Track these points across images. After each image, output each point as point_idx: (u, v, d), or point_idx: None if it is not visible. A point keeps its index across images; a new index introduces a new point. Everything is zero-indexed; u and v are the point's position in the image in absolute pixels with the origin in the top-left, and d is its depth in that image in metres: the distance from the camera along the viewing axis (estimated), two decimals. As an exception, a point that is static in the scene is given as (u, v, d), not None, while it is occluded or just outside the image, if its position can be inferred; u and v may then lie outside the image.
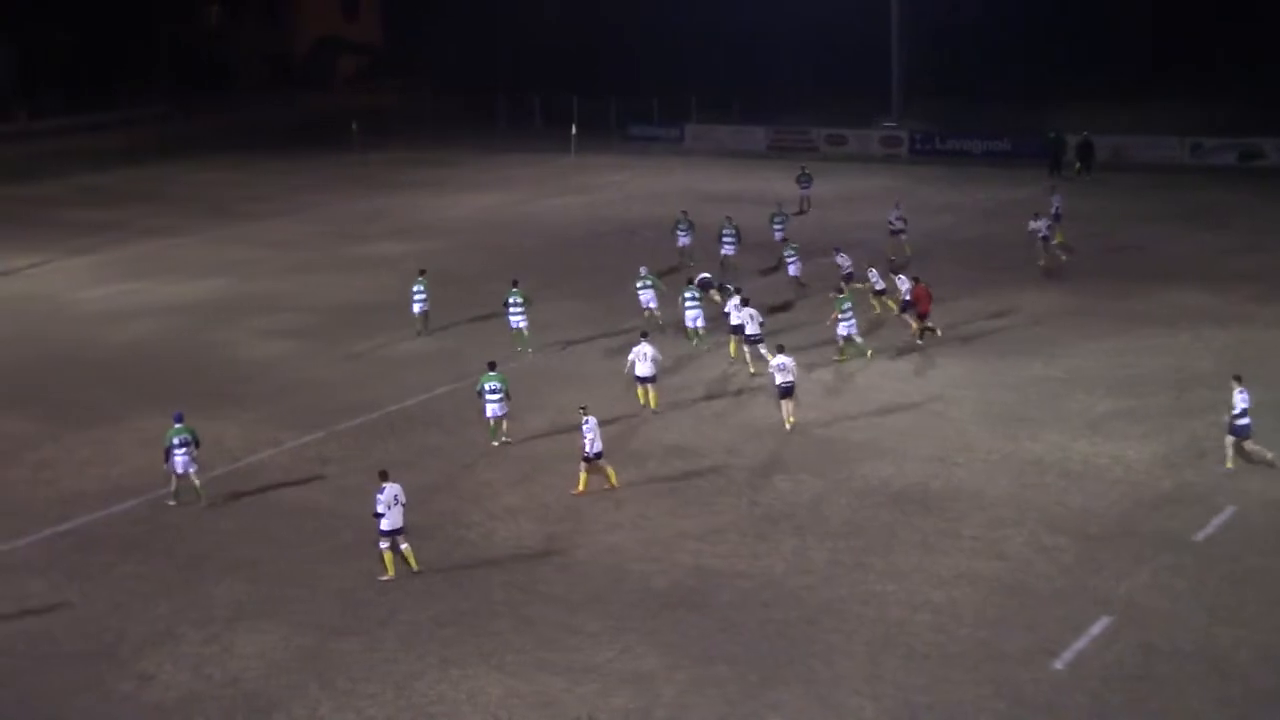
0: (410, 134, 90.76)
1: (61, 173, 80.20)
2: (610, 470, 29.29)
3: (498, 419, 32.01)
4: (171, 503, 29.35)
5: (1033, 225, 47.97)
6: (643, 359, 33.71)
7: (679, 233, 49.11)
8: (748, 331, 36.55)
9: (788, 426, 32.30)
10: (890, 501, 28.22)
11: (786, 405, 32.42)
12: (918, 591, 24.28)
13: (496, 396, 31.77)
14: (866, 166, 72.66)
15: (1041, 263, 47.38)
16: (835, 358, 37.27)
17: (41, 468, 32.07)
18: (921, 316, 38.71)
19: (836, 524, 27.21)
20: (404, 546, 25.53)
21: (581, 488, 29.05)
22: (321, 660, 22.78)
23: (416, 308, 42.01)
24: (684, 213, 49.96)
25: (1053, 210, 51.59)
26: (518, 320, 39.68)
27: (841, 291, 38.85)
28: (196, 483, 29.34)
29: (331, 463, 31.52)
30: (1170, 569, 24.82)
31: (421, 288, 42.03)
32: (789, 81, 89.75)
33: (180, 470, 29.17)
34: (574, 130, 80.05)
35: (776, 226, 50.26)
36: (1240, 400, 28.56)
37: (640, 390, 34.08)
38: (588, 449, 28.86)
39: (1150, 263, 48.22)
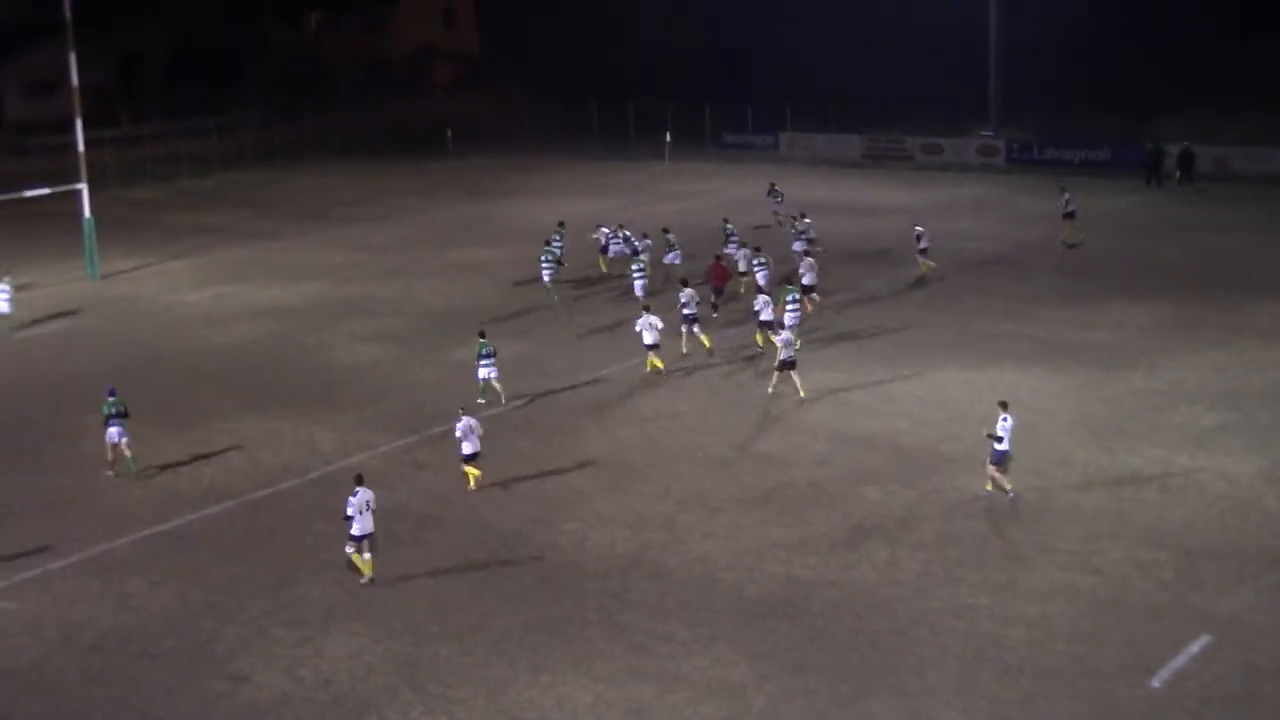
0: (506, 141, 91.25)
1: (163, 176, 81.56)
2: (477, 471, 30.05)
3: (488, 380, 35.44)
4: (109, 473, 31.68)
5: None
6: (649, 329, 37.37)
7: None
8: (762, 317, 39.19)
9: (801, 395, 34.92)
10: (983, 514, 27.89)
11: (793, 377, 35.13)
12: (1011, 605, 23.97)
13: (489, 361, 35.34)
14: (962, 175, 72.13)
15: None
16: (759, 345, 39.45)
17: (138, 468, 32.50)
18: (716, 292, 43.84)
19: (928, 535, 26.95)
20: (366, 555, 25.82)
21: (471, 484, 30.13)
22: (413, 664, 22.88)
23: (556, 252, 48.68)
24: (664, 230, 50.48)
25: (1065, 209, 52.55)
26: (547, 273, 46.79)
27: (790, 283, 41.37)
28: (127, 454, 31.62)
29: (425, 467, 31.70)
30: (1273, 587, 24.30)
31: (559, 238, 49.55)
32: (885, 89, 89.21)
33: (114, 440, 31.58)
34: (668, 138, 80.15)
35: (796, 239, 49.87)
36: (1003, 428, 28.07)
37: (650, 359, 37.60)
38: (462, 449, 29.85)
39: (1254, 275, 47.34)
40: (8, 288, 47.35)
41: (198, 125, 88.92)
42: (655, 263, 47.63)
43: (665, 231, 49.94)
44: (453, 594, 25.27)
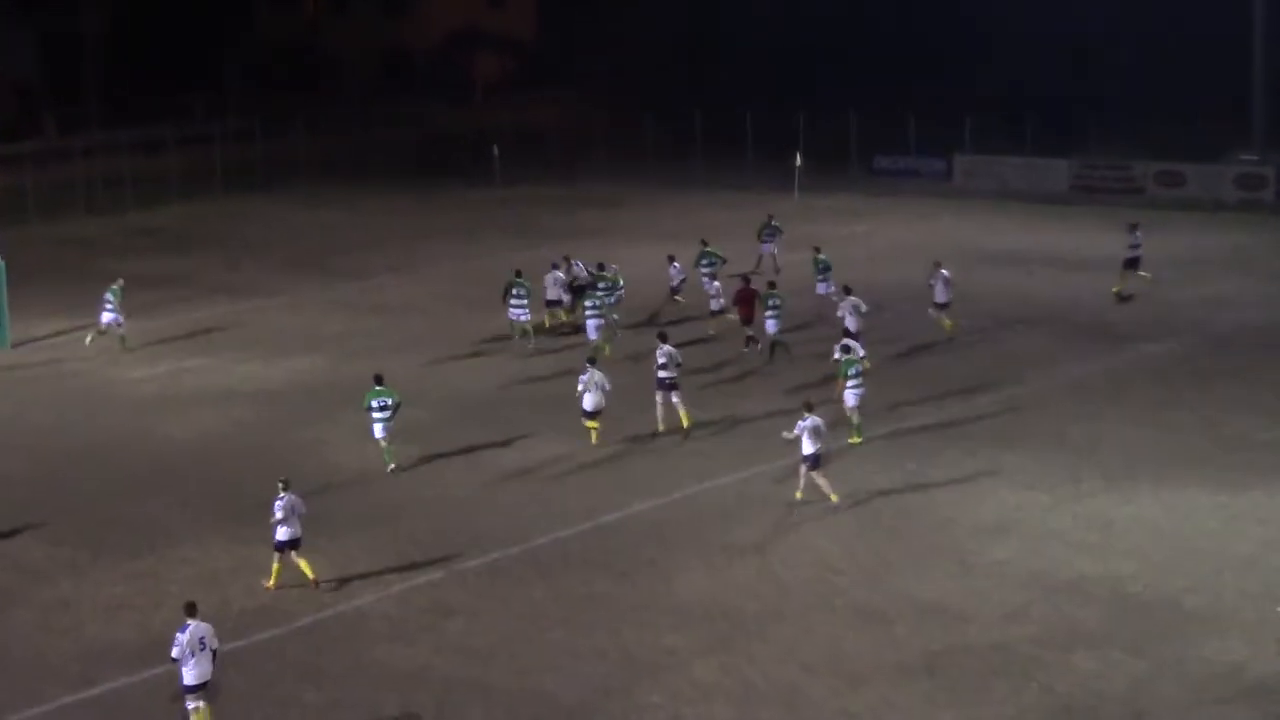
0: (574, 163, 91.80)
1: (103, 207, 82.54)
2: (304, 562, 32.69)
3: (387, 438, 39.53)
4: None
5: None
6: (594, 389, 40.66)
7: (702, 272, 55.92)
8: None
9: (833, 500, 36.29)
10: (1244, 696, 27.51)
11: (820, 479, 36.28)
12: (1284, 826, 23.64)
13: (384, 414, 39.28)
14: (1213, 216, 71.74)
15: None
16: (849, 439, 40.44)
17: (59, 610, 32.62)
18: (744, 321, 49.61)
19: (1166, 724, 26.63)
20: (201, 705, 26.13)
21: (271, 582, 32.85)
22: None
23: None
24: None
25: (1130, 253, 55.27)
26: (519, 313, 51.57)
27: (849, 351, 42.04)
28: None
29: (456, 614, 31.69)
30: None
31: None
32: (1104, 97, 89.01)
33: None
34: (798, 161, 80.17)
35: (820, 280, 53.79)
36: None
37: (590, 423, 41.15)
38: (277, 534, 32.55)
39: None
40: (113, 298, 53.15)
41: (152, 137, 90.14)
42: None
43: (600, 268, 54.13)
44: (492, 793, 25.22)
